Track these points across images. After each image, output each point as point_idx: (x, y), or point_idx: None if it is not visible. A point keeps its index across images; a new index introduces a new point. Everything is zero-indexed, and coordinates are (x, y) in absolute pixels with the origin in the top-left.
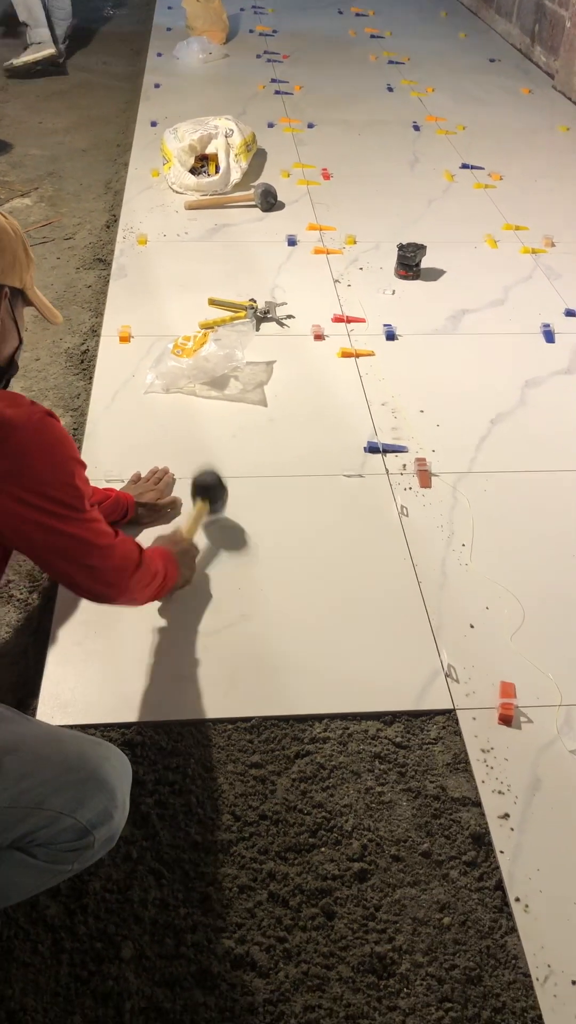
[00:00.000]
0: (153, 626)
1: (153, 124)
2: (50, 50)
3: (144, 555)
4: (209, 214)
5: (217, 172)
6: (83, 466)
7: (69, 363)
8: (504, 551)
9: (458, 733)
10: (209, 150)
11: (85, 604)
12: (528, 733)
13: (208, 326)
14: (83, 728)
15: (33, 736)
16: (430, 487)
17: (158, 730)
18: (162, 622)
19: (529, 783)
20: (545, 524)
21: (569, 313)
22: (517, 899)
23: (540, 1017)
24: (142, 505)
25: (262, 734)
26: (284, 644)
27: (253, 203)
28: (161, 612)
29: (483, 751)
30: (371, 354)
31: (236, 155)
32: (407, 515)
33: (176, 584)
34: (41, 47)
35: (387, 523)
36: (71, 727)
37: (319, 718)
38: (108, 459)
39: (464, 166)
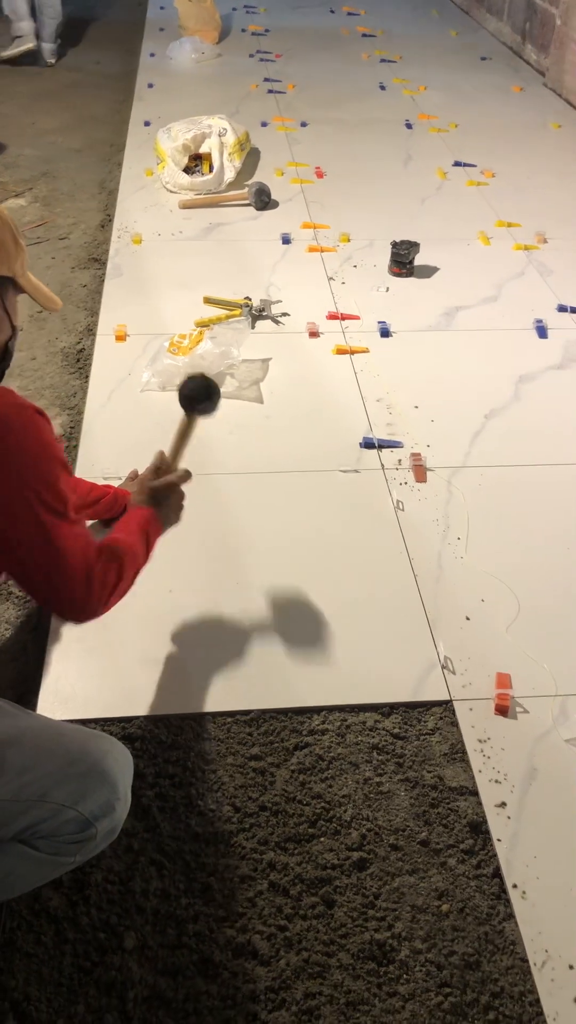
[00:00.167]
0: (152, 621)
1: (147, 124)
2: (29, 44)
3: (124, 574)
4: (203, 213)
5: (211, 171)
6: (68, 471)
7: (65, 362)
8: (499, 544)
9: (455, 724)
10: (203, 149)
11: None
12: (524, 723)
13: (204, 324)
14: (83, 723)
15: (35, 730)
16: (425, 482)
17: (158, 724)
18: (161, 617)
19: (525, 772)
20: (539, 517)
21: (561, 309)
22: (515, 886)
23: (538, 1001)
24: None
25: (261, 727)
26: (282, 638)
27: (247, 202)
28: (160, 608)
29: (480, 741)
30: (366, 351)
31: (230, 154)
32: (403, 509)
33: (162, 532)
34: (23, 40)
35: (383, 518)
36: (72, 722)
37: (317, 710)
38: (105, 457)
39: (457, 164)
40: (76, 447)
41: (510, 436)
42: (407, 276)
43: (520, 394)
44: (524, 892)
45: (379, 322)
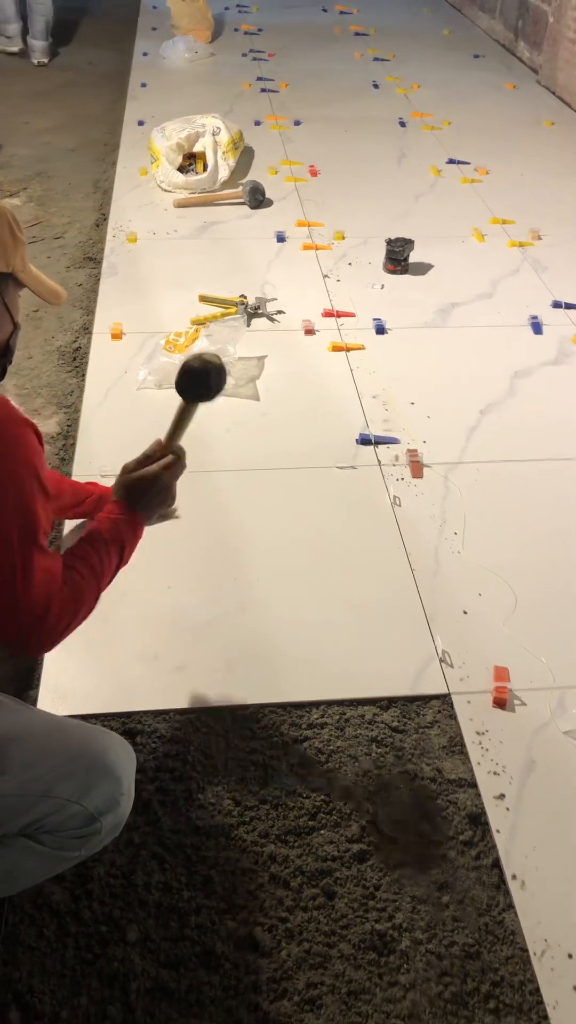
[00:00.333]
0: (151, 617)
1: (140, 123)
2: (14, 48)
3: (81, 609)
4: (198, 212)
5: (205, 170)
6: (46, 495)
7: (61, 361)
8: (495, 538)
9: (453, 717)
10: (197, 148)
11: None
12: (522, 715)
13: (199, 322)
14: (83, 718)
15: (38, 725)
16: (422, 477)
17: (158, 719)
18: (161, 613)
19: (524, 764)
20: (535, 511)
21: (556, 305)
22: (514, 876)
23: (538, 990)
24: None
25: (260, 721)
26: (281, 633)
27: (241, 200)
28: (158, 604)
29: (478, 734)
30: (361, 348)
31: (224, 153)
32: (400, 505)
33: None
34: (9, 42)
35: (380, 513)
36: (72, 718)
37: (316, 704)
38: (103, 455)
39: (451, 161)
40: (73, 445)
41: (506, 431)
42: (402, 273)
43: (515, 390)
44: (523, 883)
45: (374, 319)
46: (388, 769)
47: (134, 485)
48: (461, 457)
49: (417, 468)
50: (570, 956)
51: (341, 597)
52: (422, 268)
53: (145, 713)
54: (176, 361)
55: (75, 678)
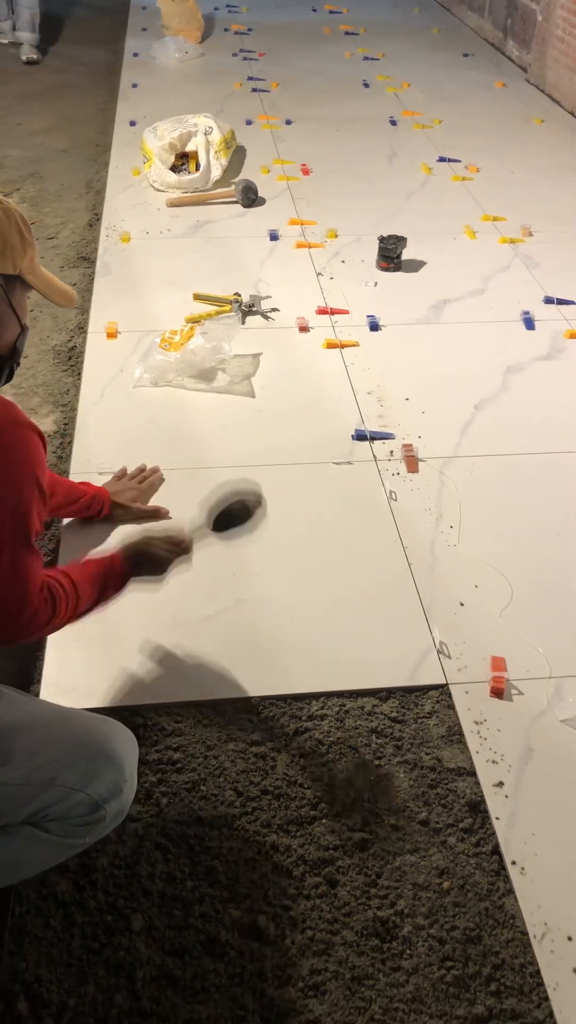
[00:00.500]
0: (152, 611)
1: (132, 123)
2: (4, 40)
3: (53, 621)
4: (191, 211)
5: (197, 169)
6: (44, 500)
7: (57, 360)
8: (491, 531)
9: (451, 707)
10: (189, 148)
11: None
12: (519, 705)
13: (194, 320)
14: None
15: (41, 715)
16: (417, 472)
17: (159, 711)
18: (161, 607)
19: (522, 752)
20: (529, 504)
21: (548, 300)
22: (513, 862)
23: (538, 972)
24: (118, 505)
25: (261, 713)
26: (280, 626)
27: (234, 199)
28: (159, 598)
29: (476, 723)
30: (356, 345)
31: (216, 152)
32: (396, 500)
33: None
34: (1, 35)
35: (377, 508)
36: None
37: (316, 696)
38: (99, 453)
39: (441, 159)
40: (70, 443)
41: (499, 426)
42: (395, 270)
43: (508, 385)
44: (523, 868)
45: (368, 316)
46: (388, 759)
47: (144, 559)
48: (456, 452)
49: (412, 463)
50: (570, 939)
51: (339, 591)
52: (415, 265)
53: (147, 707)
54: (171, 359)
55: (77, 673)
